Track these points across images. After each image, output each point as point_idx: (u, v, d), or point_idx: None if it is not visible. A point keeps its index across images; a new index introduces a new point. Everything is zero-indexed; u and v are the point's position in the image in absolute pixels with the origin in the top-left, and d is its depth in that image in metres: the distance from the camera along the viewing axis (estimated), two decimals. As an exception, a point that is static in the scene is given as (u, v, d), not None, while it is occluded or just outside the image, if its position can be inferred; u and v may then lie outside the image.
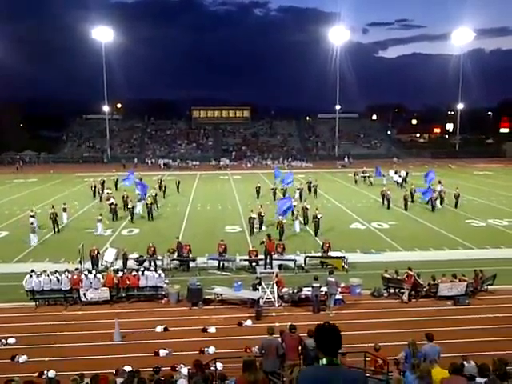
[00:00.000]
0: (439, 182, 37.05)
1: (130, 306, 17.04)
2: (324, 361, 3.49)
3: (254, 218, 27.23)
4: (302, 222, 28.54)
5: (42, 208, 35.15)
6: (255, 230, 27.05)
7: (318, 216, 26.45)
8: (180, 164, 70.06)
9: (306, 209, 29.16)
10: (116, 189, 40.07)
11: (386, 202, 34.24)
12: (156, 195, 34.68)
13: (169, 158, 73.99)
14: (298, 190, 37.95)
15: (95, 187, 39.37)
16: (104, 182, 40.64)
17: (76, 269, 18.93)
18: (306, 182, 42.09)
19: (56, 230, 27.78)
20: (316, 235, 26.17)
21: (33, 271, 17.48)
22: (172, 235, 22.88)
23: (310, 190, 40.20)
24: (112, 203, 31.18)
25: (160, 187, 40.19)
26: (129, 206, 30.82)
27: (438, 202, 33.71)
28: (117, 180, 43.08)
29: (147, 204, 30.95)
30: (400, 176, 44.31)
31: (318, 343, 3.59)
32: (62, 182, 51.49)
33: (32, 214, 27.31)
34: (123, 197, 32.89)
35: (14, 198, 40.36)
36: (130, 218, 30.26)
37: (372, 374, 10.25)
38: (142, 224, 29.44)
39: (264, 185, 42.12)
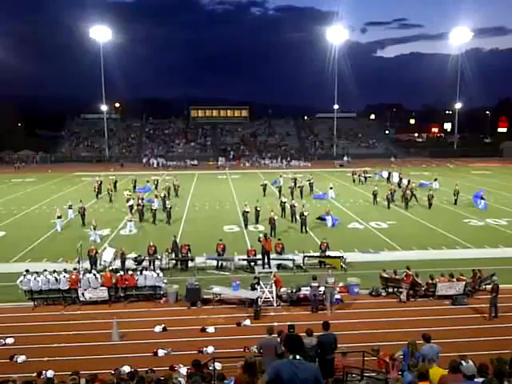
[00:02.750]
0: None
1: (129, 306, 17.01)
2: (290, 357, 4.71)
3: (248, 211, 28.28)
4: (292, 219, 29.54)
5: (40, 208, 35.19)
6: (249, 223, 28.24)
7: (305, 213, 27.10)
8: (177, 163, 69.87)
9: (294, 206, 29.79)
10: (115, 190, 39.85)
11: (386, 202, 34.42)
12: (165, 196, 34.01)
13: (167, 157, 73.98)
14: (298, 187, 39.01)
15: (99, 188, 39.10)
16: (101, 182, 40.39)
17: (74, 269, 18.91)
18: (306, 180, 42.11)
19: (83, 223, 28.72)
20: (302, 232, 26.91)
21: (27, 271, 17.46)
22: (170, 235, 22.87)
23: (311, 188, 40.89)
24: (132, 204, 31.25)
25: (156, 187, 40.41)
26: (153, 209, 30.04)
27: (482, 201, 33.34)
28: (115, 181, 42.65)
29: (166, 208, 30.03)
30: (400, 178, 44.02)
31: (286, 346, 4.92)
32: (60, 181, 51.39)
33: (58, 214, 27.98)
34: (138, 198, 32.35)
35: (11, 197, 40.27)
36: (152, 220, 29.60)
37: (376, 374, 10.28)
38: (141, 224, 29.34)
39: (271, 182, 42.28)
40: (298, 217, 28.32)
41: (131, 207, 31.15)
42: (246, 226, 28.16)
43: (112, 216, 31.22)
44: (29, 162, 72.59)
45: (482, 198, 33.47)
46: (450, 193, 36.76)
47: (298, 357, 4.75)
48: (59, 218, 28.00)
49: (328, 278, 16.44)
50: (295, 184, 39.57)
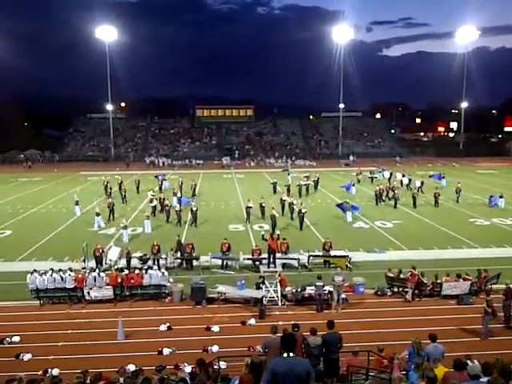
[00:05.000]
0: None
1: (134, 305, 17.08)
2: (285, 355, 5.40)
3: (251, 207, 29.03)
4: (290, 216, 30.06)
5: (47, 207, 35.35)
6: (254, 220, 29.03)
7: (303, 211, 27.43)
8: (183, 163, 69.83)
9: (293, 204, 30.22)
10: (120, 190, 39.68)
11: (392, 201, 34.45)
12: (181, 196, 34.01)
13: (172, 156, 74.05)
14: (304, 185, 39.48)
15: (110, 187, 39.07)
16: (108, 182, 40.36)
17: (83, 268, 19.02)
18: (312, 179, 42.09)
19: (112, 218, 29.75)
20: (301, 229, 27.22)
21: (35, 270, 17.54)
22: (175, 234, 22.90)
23: (316, 186, 41.66)
24: (155, 205, 31.43)
25: (160, 188, 40.76)
26: (177, 209, 29.46)
27: (501, 201, 33.53)
28: (121, 181, 42.36)
29: (192, 210, 29.15)
30: (407, 177, 43.58)
31: (282, 344, 5.59)
32: (66, 180, 51.56)
33: (97, 211, 28.42)
34: (160, 198, 32.37)
35: (18, 196, 40.45)
36: (177, 221, 28.99)
37: (377, 373, 10.25)
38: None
39: (279, 181, 41.85)
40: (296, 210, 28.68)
41: (154, 208, 31.29)
42: (248, 220, 28.83)
43: (119, 215, 31.21)
44: (39, 160, 72.95)
45: (501, 197, 33.84)
46: (453, 189, 36.53)
47: (291, 354, 5.40)
48: (98, 215, 28.18)
49: (336, 277, 16.44)
50: (308, 180, 40.30)
